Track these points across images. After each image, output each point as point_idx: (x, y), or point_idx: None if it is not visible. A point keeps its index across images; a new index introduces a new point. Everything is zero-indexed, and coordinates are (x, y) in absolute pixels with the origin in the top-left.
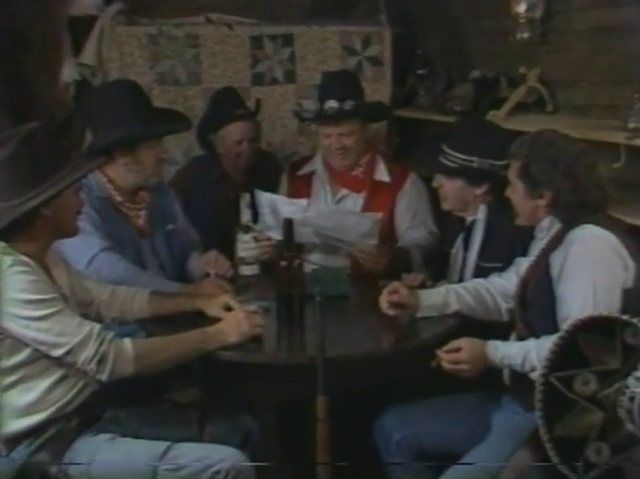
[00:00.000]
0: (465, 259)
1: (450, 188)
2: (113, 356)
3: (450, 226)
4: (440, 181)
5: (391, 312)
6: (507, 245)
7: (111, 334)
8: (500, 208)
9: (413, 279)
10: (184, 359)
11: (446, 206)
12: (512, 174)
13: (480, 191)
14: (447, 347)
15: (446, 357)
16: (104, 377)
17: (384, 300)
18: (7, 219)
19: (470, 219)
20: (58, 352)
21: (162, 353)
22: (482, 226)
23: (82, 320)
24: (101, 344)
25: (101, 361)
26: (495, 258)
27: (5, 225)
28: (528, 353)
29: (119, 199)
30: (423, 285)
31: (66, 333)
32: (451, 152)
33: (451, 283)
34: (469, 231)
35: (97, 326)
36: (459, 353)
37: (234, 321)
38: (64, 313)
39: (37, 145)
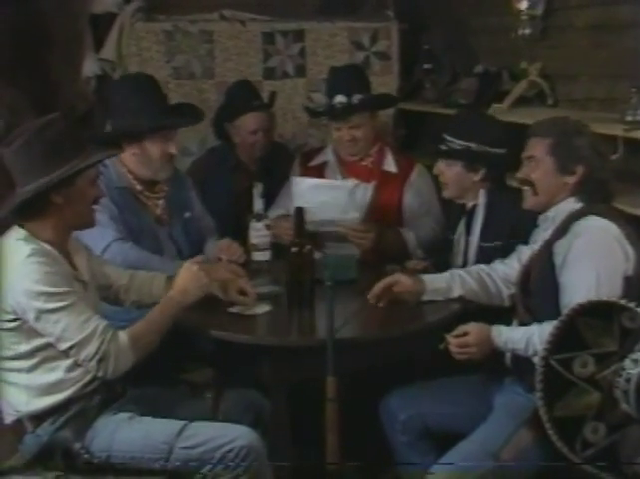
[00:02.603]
0: (467, 242)
1: (448, 174)
2: (113, 355)
3: (451, 213)
4: (439, 168)
5: (379, 304)
6: (507, 225)
7: (111, 332)
8: (499, 192)
9: (416, 264)
10: (168, 328)
11: (446, 193)
12: (540, 151)
13: (476, 177)
14: (454, 332)
15: (453, 341)
16: (104, 375)
17: (378, 290)
18: (16, 201)
19: (470, 203)
20: (63, 346)
21: (151, 334)
22: (483, 209)
23: (89, 317)
24: (102, 343)
25: (101, 360)
26: (496, 238)
27: (14, 207)
28: (532, 338)
29: (138, 187)
30: (425, 272)
31: (71, 329)
32: (450, 138)
33: (454, 266)
34: (469, 215)
35: (101, 325)
36: (465, 337)
37: (191, 277)
38: (73, 308)
39: (53, 133)
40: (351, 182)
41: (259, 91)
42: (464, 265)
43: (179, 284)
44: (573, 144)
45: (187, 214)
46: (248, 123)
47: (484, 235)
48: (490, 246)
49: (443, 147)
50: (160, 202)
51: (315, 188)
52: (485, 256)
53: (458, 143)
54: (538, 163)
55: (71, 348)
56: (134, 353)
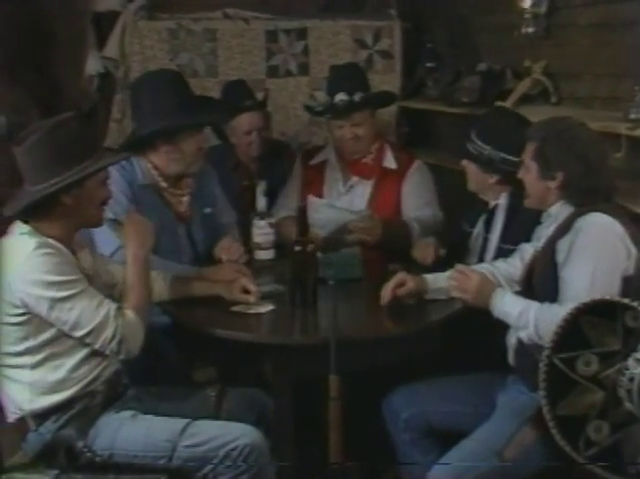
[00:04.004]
0: (486, 241)
1: (469, 171)
2: (130, 333)
3: (473, 204)
4: (464, 162)
5: (388, 303)
6: (528, 229)
7: (122, 313)
8: (522, 195)
9: (425, 247)
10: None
11: (469, 186)
12: (527, 155)
13: (492, 179)
14: (460, 269)
15: (456, 277)
16: (126, 355)
17: (388, 293)
18: (25, 201)
19: (492, 202)
20: (79, 333)
21: (144, 298)
22: (504, 211)
23: (101, 301)
24: (117, 325)
25: (121, 342)
26: (517, 241)
27: (22, 207)
28: (528, 310)
29: (163, 184)
30: (437, 253)
31: (85, 315)
32: (473, 137)
33: (469, 262)
34: (491, 214)
35: (113, 308)
36: (468, 280)
37: (139, 226)
38: (85, 294)
39: (66, 134)
40: (366, 211)
41: (252, 90)
42: (479, 263)
43: (133, 239)
44: (552, 150)
45: (207, 210)
46: (242, 124)
47: (505, 236)
48: (510, 249)
49: (468, 145)
50: (185, 199)
51: (330, 208)
52: (504, 258)
53: (476, 144)
54: (527, 167)
55: (88, 335)
56: (143, 325)
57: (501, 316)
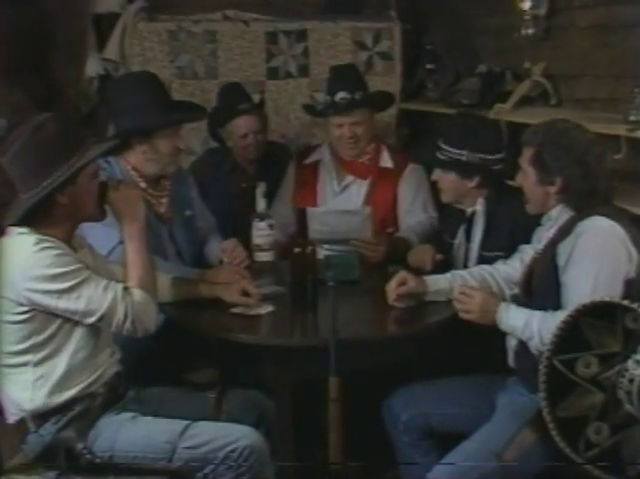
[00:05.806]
0: (467, 250)
1: (444, 181)
2: (141, 311)
3: (451, 216)
4: (437, 174)
5: (398, 304)
6: (509, 235)
7: (129, 293)
8: (499, 199)
9: (422, 252)
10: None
11: (444, 198)
12: (524, 161)
13: (472, 184)
14: (463, 289)
15: (460, 298)
16: (144, 332)
17: (392, 292)
18: (22, 209)
19: (469, 210)
20: (91, 320)
21: (148, 273)
22: (482, 217)
23: (106, 284)
24: (127, 306)
25: (134, 321)
26: (498, 248)
27: (20, 215)
28: (531, 321)
29: (143, 185)
30: (434, 258)
31: (94, 301)
32: (444, 146)
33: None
34: (469, 222)
35: (119, 289)
36: (471, 300)
37: (127, 197)
38: (90, 281)
39: (46, 135)
40: (367, 208)
41: (248, 93)
42: None
43: (125, 213)
44: (550, 155)
45: (188, 212)
46: (238, 127)
47: (485, 243)
48: (492, 256)
49: (438, 155)
50: (164, 200)
51: (329, 214)
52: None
53: (451, 151)
54: (524, 173)
55: (100, 320)
56: (153, 299)
57: (509, 331)
